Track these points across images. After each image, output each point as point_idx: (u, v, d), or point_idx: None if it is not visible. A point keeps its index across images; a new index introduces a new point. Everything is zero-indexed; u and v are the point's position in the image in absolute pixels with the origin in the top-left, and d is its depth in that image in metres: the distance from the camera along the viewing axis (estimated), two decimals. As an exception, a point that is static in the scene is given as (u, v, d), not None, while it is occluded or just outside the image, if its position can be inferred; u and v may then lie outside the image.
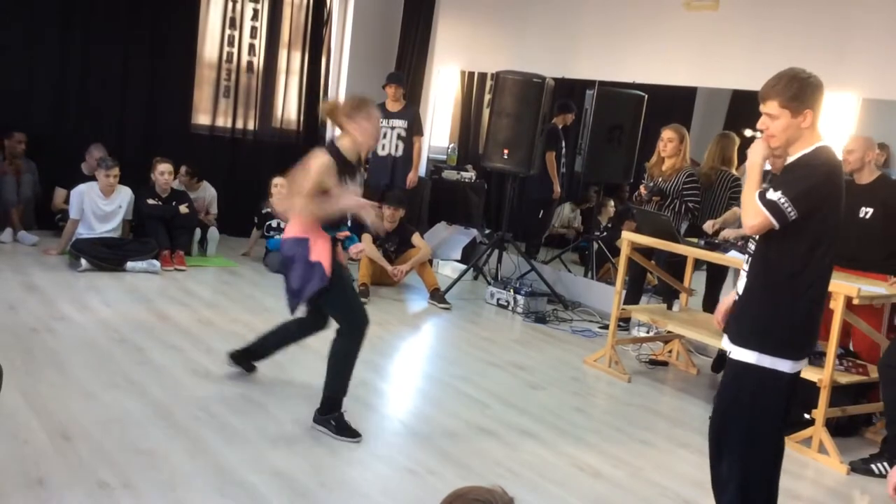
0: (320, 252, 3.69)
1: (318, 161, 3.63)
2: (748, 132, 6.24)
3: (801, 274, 2.71)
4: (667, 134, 5.66)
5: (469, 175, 8.68)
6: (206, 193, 7.37)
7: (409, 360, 5.32)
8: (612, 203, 7.53)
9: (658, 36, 6.47)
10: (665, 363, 5.54)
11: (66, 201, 6.71)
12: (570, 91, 7.37)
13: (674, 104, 6.78)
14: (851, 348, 4.68)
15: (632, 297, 5.87)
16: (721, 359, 5.40)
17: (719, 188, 5.62)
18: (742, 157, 6.00)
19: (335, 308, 3.85)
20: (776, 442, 2.90)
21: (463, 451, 3.75)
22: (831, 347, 4.09)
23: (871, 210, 4.65)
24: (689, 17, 6.20)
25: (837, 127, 5.49)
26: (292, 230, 3.76)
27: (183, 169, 7.21)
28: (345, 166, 3.72)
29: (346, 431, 3.71)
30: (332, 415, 3.75)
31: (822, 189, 2.72)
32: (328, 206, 3.65)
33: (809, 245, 2.71)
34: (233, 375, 4.31)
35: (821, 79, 2.77)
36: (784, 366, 2.75)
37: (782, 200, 2.67)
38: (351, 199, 3.72)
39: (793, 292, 2.73)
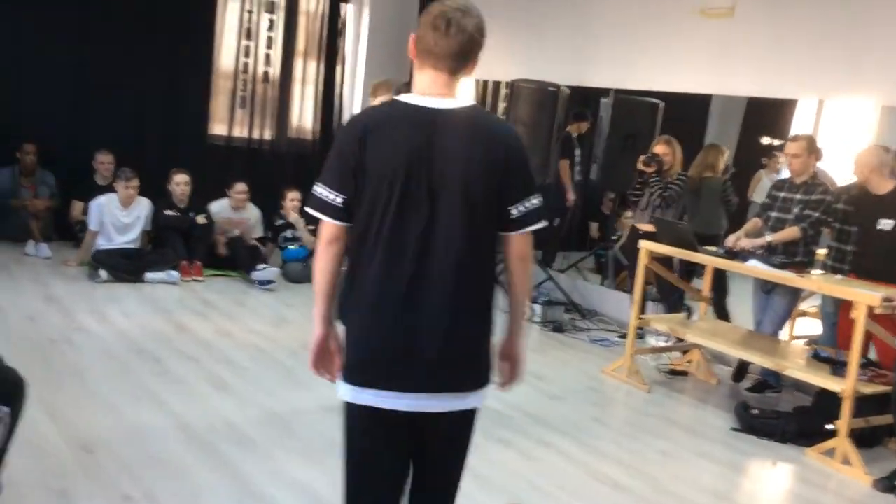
0: None
1: None
2: (765, 140, 6.25)
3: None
4: (660, 148, 5.96)
5: (484, 183, 8.67)
6: (251, 214, 7.17)
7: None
8: (628, 213, 7.50)
9: (674, 43, 6.45)
10: (684, 373, 5.50)
11: (84, 213, 6.77)
12: (584, 99, 7.36)
13: (689, 112, 6.76)
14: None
15: (667, 307, 5.91)
16: (742, 369, 5.37)
17: (705, 192, 5.99)
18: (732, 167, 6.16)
19: None
20: None
21: (482, 462, 3.72)
22: (854, 357, 4.06)
23: (892, 221, 4.60)
24: (704, 24, 6.17)
25: (856, 134, 5.45)
26: None
27: (243, 186, 7.02)
28: None
29: None
30: None
31: None
32: None
33: None
34: (252, 388, 4.32)
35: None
36: None
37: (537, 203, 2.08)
38: None
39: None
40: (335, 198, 2.00)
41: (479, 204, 1.98)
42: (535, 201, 2.04)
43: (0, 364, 2.74)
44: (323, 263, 2.05)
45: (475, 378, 2.09)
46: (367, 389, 2.02)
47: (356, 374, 2.04)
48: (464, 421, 2.15)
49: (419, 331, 1.99)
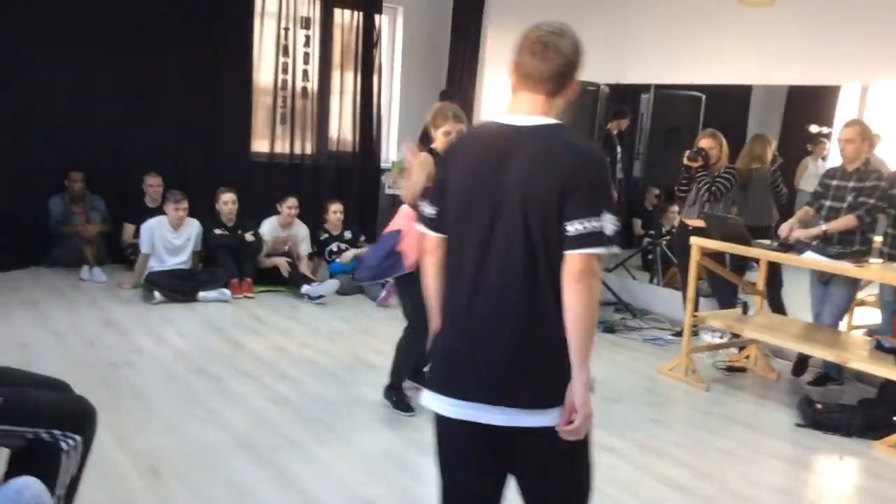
0: (408, 244, 4.07)
1: (419, 158, 4.14)
2: (814, 128, 6.13)
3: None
4: (705, 142, 5.84)
5: (525, 186, 8.65)
6: (299, 230, 7.20)
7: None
8: (674, 207, 7.42)
9: (714, 35, 6.36)
10: (743, 369, 5.42)
11: (135, 236, 6.89)
12: (622, 96, 7.30)
13: (730, 103, 6.68)
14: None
15: (720, 303, 5.81)
16: (802, 362, 5.27)
17: (754, 184, 5.90)
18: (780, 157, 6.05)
19: (406, 304, 4.27)
20: None
21: (545, 469, 3.72)
22: (920, 347, 3.96)
23: None
24: (744, 14, 6.08)
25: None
26: (394, 224, 4.28)
27: (294, 201, 7.04)
28: None
29: (402, 406, 4.29)
30: (392, 392, 4.35)
31: None
32: None
33: None
34: (309, 402, 4.36)
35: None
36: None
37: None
38: None
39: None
40: (428, 210, 2.17)
41: (537, 222, 1.94)
42: (595, 223, 1.90)
43: (71, 394, 2.81)
44: (424, 270, 2.22)
45: (532, 395, 2.00)
46: (430, 392, 2.11)
47: (430, 376, 2.16)
48: (537, 439, 2.02)
49: (474, 344, 2.03)
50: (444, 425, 2.11)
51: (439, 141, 4.18)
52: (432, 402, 2.10)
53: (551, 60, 2.00)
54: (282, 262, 6.80)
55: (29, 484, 2.19)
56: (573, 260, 1.92)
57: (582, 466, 2.15)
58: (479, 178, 2.01)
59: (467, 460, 2.14)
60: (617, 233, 1.94)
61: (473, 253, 2.02)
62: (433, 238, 2.16)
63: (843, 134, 4.86)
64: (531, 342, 2.00)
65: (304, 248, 7.20)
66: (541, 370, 2.01)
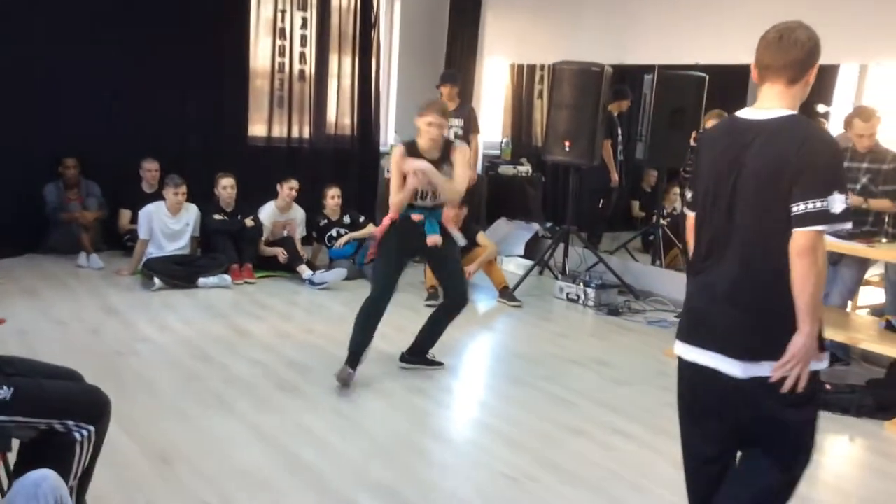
0: (379, 231, 4.48)
1: (392, 154, 4.42)
2: (821, 107, 6.09)
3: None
4: (712, 123, 5.68)
5: (525, 168, 8.60)
6: (297, 214, 7.10)
7: (487, 361, 5.27)
8: (676, 189, 7.38)
9: (717, 15, 6.31)
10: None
11: (132, 221, 6.80)
12: (623, 77, 7.24)
13: (729, 83, 6.62)
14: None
15: None
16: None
17: None
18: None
19: (372, 271, 4.65)
20: None
21: (559, 454, 3.69)
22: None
23: None
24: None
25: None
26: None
27: (295, 183, 6.94)
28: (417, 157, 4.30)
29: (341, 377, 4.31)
30: (356, 363, 4.36)
31: None
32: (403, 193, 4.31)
33: None
34: (319, 389, 4.31)
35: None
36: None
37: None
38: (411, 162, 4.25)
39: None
40: (689, 193, 2.50)
41: (767, 206, 2.20)
42: (819, 203, 2.11)
43: (83, 384, 2.75)
44: (688, 244, 2.57)
45: (748, 350, 2.27)
46: (678, 342, 2.45)
47: (679, 328, 2.47)
48: (740, 388, 2.29)
49: (709, 303, 2.34)
50: (687, 371, 2.43)
51: (423, 132, 4.29)
52: (680, 349, 2.43)
53: (785, 51, 2.22)
54: (278, 251, 6.73)
55: (47, 476, 2.13)
56: (796, 237, 2.15)
57: (805, 433, 2.37)
58: (721, 166, 2.30)
59: (704, 409, 2.44)
60: (846, 210, 2.12)
61: (716, 231, 2.32)
62: (691, 217, 2.49)
63: (863, 129, 4.79)
64: (751, 307, 2.26)
65: (300, 231, 7.13)
66: (757, 331, 2.27)
